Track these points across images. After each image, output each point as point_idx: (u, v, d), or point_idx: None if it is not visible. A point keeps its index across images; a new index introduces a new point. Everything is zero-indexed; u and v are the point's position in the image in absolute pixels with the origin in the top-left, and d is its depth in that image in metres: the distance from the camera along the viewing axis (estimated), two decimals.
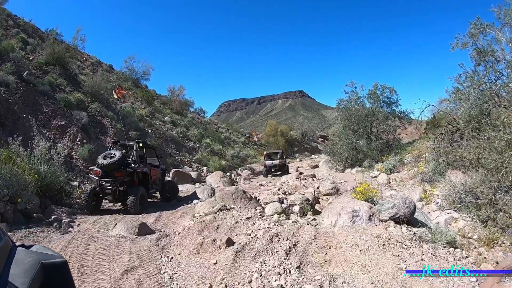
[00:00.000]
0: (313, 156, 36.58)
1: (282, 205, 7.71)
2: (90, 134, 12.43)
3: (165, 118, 22.48)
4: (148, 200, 8.87)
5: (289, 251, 4.45)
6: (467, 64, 10.80)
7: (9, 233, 5.22)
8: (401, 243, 4.93)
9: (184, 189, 11.51)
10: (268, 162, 18.35)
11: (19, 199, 5.97)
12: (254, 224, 5.83)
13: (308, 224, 6.10)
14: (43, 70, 14.53)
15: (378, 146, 19.53)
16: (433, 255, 4.62)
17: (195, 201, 9.25)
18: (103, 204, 8.53)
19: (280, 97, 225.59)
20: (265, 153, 20.31)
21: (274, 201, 7.86)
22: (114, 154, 7.87)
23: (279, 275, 3.74)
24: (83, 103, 13.86)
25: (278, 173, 18.24)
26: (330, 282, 3.61)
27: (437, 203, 8.41)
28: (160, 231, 6.00)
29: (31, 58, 15.04)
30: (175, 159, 16.50)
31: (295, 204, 7.97)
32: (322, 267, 4.12)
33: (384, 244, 4.66)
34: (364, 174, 15.81)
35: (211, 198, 8.90)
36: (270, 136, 36.66)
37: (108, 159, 7.71)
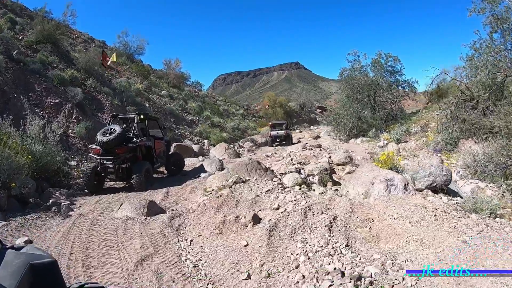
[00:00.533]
0: (312, 127, 36.01)
1: (300, 175, 7.10)
2: (86, 111, 11.80)
3: (162, 92, 21.66)
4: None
5: (331, 227, 3.82)
6: (480, 31, 11.00)
7: (3, 222, 4.57)
8: (448, 213, 4.36)
9: (188, 163, 10.84)
10: (274, 132, 18.52)
11: (13, 184, 5.39)
12: (278, 197, 5.18)
13: (337, 195, 5.48)
14: (34, 48, 13.66)
15: (383, 116, 19.18)
16: (488, 226, 4.06)
17: (203, 174, 8.64)
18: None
19: (276, 69, 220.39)
20: (270, 123, 20.41)
21: (291, 172, 7.23)
22: (114, 129, 7.19)
23: (331, 257, 3.10)
24: (77, 80, 13.16)
25: (283, 143, 18.17)
26: (393, 262, 3.00)
27: (458, 172, 8.01)
28: (172, 210, 5.38)
29: (20, 38, 14.11)
30: (175, 133, 15.91)
31: (314, 174, 7.37)
32: (371, 243, 3.52)
33: (435, 215, 4.05)
34: (370, 144, 15.30)
35: (220, 171, 8.28)
36: (269, 108, 35.92)
37: (107, 135, 7.04)
